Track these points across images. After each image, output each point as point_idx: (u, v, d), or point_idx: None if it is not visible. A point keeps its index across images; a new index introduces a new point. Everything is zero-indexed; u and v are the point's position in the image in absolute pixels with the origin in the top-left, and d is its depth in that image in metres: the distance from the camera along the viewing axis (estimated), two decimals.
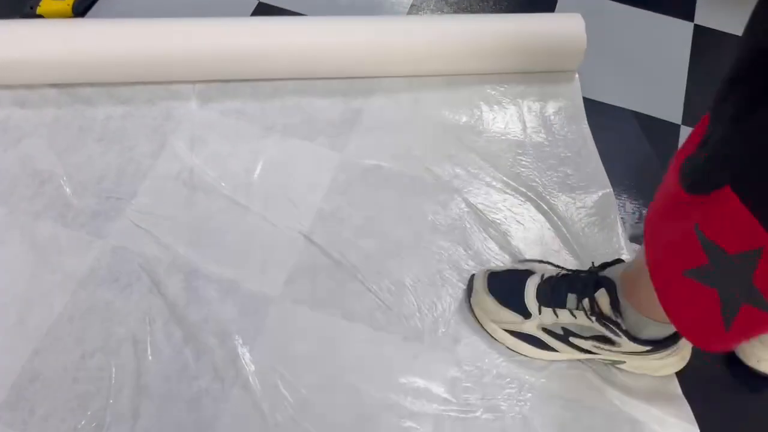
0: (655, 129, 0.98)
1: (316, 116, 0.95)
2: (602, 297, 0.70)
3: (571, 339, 0.73)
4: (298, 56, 0.93)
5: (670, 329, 0.70)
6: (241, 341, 0.76)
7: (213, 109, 0.94)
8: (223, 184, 0.87)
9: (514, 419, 0.74)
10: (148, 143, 0.90)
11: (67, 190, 0.85)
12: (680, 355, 0.74)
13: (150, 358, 0.75)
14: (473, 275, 0.81)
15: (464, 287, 0.81)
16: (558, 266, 0.79)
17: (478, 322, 0.78)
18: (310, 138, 0.93)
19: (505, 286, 0.77)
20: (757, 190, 0.44)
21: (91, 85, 0.94)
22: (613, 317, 0.70)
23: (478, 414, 0.74)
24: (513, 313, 0.75)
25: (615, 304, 0.69)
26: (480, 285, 0.78)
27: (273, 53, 0.93)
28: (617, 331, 0.70)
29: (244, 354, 0.76)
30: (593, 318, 0.71)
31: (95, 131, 0.90)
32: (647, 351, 0.72)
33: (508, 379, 0.76)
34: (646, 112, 1.00)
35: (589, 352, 0.74)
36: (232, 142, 0.91)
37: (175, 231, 0.83)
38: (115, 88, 0.94)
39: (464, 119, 0.96)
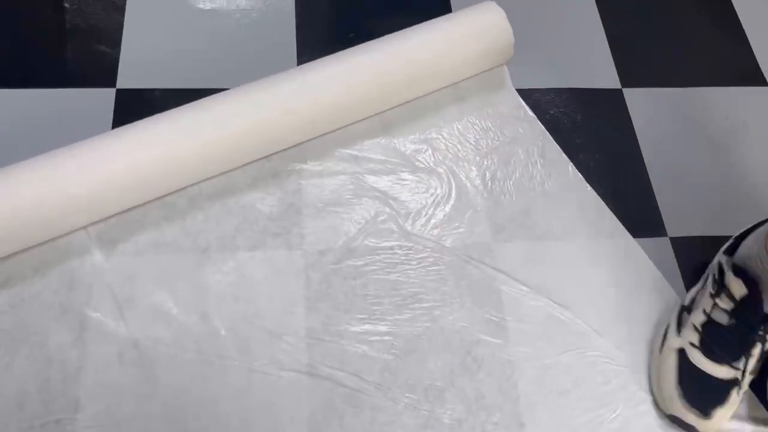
0: (599, 99, 0.92)
1: (252, 215, 0.78)
2: None
3: None
4: (203, 152, 0.75)
5: None
6: None
7: (123, 252, 0.73)
8: (183, 346, 0.69)
9: None
10: (62, 330, 0.69)
11: None
12: None
13: None
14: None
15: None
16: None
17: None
18: (258, 244, 0.76)
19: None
20: None
21: None
22: None
23: None
24: None
25: None
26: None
27: (172, 160, 0.73)
28: None
29: None
30: None
31: None
32: None
33: None
34: (583, 86, 0.93)
35: None
36: (166, 286, 0.72)
37: (151, 430, 0.66)
38: None
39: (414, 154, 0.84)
